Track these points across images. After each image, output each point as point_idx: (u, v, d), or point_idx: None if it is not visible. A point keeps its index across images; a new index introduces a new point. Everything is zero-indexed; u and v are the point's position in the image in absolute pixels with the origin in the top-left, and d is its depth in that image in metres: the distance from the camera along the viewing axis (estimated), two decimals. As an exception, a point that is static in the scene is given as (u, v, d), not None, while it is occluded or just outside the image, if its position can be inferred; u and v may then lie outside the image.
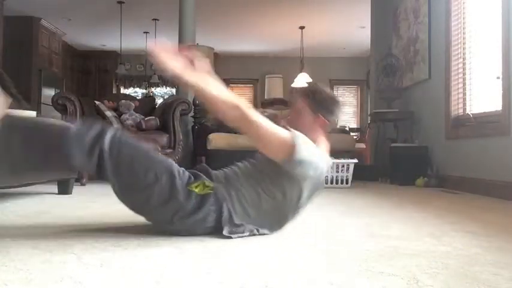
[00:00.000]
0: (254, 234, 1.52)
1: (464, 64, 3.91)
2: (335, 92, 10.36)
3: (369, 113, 7.01)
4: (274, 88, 9.74)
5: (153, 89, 10.26)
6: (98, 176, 1.44)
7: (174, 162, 1.54)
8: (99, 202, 2.50)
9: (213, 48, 5.22)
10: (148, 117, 4.42)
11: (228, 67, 9.82)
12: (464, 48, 3.92)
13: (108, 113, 4.38)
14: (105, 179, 1.45)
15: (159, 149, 4.01)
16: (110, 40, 9.02)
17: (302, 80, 8.19)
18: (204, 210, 1.47)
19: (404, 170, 4.30)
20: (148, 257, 1.24)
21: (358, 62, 9.79)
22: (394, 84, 5.03)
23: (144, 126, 4.30)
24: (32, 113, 3.07)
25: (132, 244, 1.39)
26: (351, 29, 7.95)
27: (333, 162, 3.89)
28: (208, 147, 4.31)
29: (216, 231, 1.50)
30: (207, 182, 1.49)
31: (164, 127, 4.32)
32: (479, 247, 1.44)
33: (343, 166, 3.93)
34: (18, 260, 1.17)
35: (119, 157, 1.42)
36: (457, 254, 1.34)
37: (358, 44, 8.76)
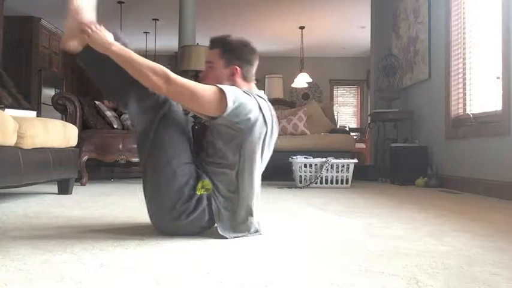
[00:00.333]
0: (249, 234, 1.52)
1: (464, 64, 3.91)
2: (335, 92, 10.38)
3: (369, 113, 7.02)
4: (274, 88, 9.73)
5: (153, 89, 10.25)
6: (137, 136, 1.55)
7: (190, 168, 1.52)
8: (99, 202, 2.50)
9: (213, 48, 5.21)
10: (148, 117, 4.41)
11: (228, 67, 9.81)
12: (464, 48, 3.92)
13: (108, 113, 4.38)
14: (140, 143, 1.54)
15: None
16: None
17: (302, 80, 8.19)
18: (200, 208, 1.48)
19: (404, 170, 4.30)
20: (148, 257, 1.24)
21: (358, 62, 9.79)
22: (394, 84, 5.03)
23: (144, 126, 4.30)
24: (32, 113, 3.08)
25: (132, 244, 1.39)
26: (351, 29, 7.95)
27: (333, 162, 3.89)
28: (208, 147, 4.31)
29: (211, 229, 1.50)
30: (206, 182, 1.49)
31: (164, 127, 4.32)
32: (479, 247, 1.44)
33: (343, 166, 3.93)
34: (18, 260, 1.17)
35: (160, 133, 1.48)
36: (457, 254, 1.34)
37: (358, 44, 8.76)
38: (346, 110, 10.42)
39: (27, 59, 7.27)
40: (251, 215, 1.54)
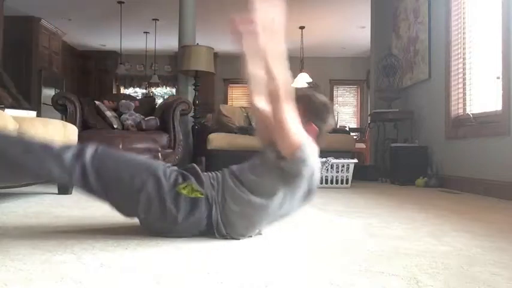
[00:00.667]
0: (243, 238, 1.51)
1: (464, 64, 3.91)
2: (335, 92, 10.38)
3: (369, 113, 7.02)
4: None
5: (153, 89, 10.26)
6: (85, 189, 1.46)
7: (160, 164, 1.52)
8: (99, 202, 2.49)
9: (213, 48, 5.22)
10: (148, 117, 4.42)
11: (228, 67, 9.82)
12: (464, 48, 3.92)
13: (108, 113, 4.38)
14: (92, 193, 1.46)
15: (159, 149, 4.01)
16: (110, 40, 9.02)
17: (302, 80, 8.19)
18: (197, 214, 1.46)
19: (404, 170, 4.30)
20: (148, 257, 1.24)
21: (358, 62, 9.79)
22: (394, 84, 5.03)
23: (144, 126, 4.30)
24: (32, 113, 3.08)
25: (132, 244, 1.39)
26: (351, 29, 7.95)
27: (333, 162, 3.89)
28: (208, 147, 4.32)
29: (208, 232, 1.50)
30: (195, 186, 1.48)
31: (164, 127, 4.32)
32: (479, 247, 1.44)
33: (343, 166, 3.93)
34: (18, 260, 1.17)
35: (102, 168, 1.43)
36: (457, 254, 1.34)
37: (358, 44, 8.76)
38: (346, 110, 10.42)
39: (27, 59, 7.27)
40: (255, 231, 1.54)
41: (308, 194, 1.56)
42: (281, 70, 1.41)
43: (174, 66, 9.58)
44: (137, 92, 10.31)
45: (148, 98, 6.88)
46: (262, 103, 1.60)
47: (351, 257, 1.27)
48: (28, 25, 7.29)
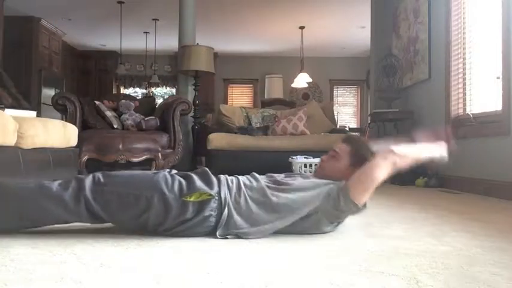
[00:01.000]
0: (247, 237, 1.52)
1: (464, 64, 3.91)
2: (335, 92, 10.39)
3: (369, 113, 7.02)
4: (274, 88, 9.74)
5: (153, 89, 10.26)
6: (95, 222, 1.51)
7: (161, 175, 1.52)
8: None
9: (213, 48, 5.22)
10: (148, 117, 4.42)
11: (228, 67, 9.82)
12: (464, 48, 3.92)
13: (108, 113, 4.38)
14: (103, 222, 1.51)
15: (160, 149, 4.01)
16: (110, 40, 9.03)
17: (302, 80, 8.19)
18: (202, 215, 1.47)
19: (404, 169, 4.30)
20: (149, 257, 1.24)
21: (358, 62, 9.79)
22: (394, 84, 5.03)
23: (144, 126, 4.30)
24: (32, 113, 3.07)
25: (132, 244, 1.39)
26: (351, 29, 7.95)
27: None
28: (208, 147, 4.32)
29: (214, 232, 1.50)
30: (202, 190, 1.49)
31: (164, 127, 4.33)
32: (480, 247, 1.44)
33: (343, 166, 3.92)
34: (18, 260, 1.17)
35: (104, 198, 1.45)
36: (457, 254, 1.34)
37: (358, 44, 8.76)
38: (346, 110, 10.43)
39: (27, 59, 7.27)
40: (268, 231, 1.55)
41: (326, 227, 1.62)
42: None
43: (174, 66, 9.58)
44: (137, 92, 10.31)
45: (148, 98, 6.89)
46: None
47: (351, 257, 1.27)
48: (28, 25, 7.29)
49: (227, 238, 1.47)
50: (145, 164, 3.91)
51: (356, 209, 1.53)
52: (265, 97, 9.36)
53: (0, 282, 0.98)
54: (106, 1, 6.85)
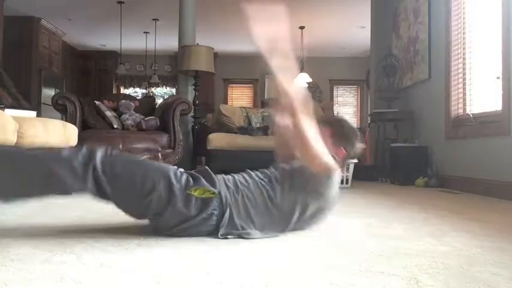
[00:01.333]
0: (249, 237, 1.52)
1: (464, 64, 3.91)
2: (335, 92, 10.39)
3: (369, 113, 7.02)
4: (274, 88, 9.72)
5: (153, 89, 10.26)
6: (98, 195, 1.46)
7: (171, 167, 1.53)
8: (99, 202, 2.49)
9: (213, 48, 5.22)
10: (148, 117, 4.42)
11: (228, 67, 9.82)
12: (464, 48, 3.92)
13: (108, 113, 4.39)
14: (105, 197, 1.47)
15: (160, 149, 4.01)
16: (110, 40, 9.03)
17: (302, 80, 8.19)
18: (205, 213, 1.47)
19: (404, 170, 4.30)
20: (149, 257, 1.24)
21: (358, 62, 9.79)
22: (394, 84, 5.03)
23: (144, 126, 4.30)
24: (32, 113, 3.07)
25: (132, 244, 1.39)
26: (351, 29, 7.95)
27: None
28: (208, 147, 4.31)
29: (216, 232, 1.50)
30: (206, 187, 1.49)
31: (164, 127, 4.33)
32: (479, 247, 1.44)
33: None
34: (18, 260, 1.17)
35: (113, 171, 1.43)
36: (457, 254, 1.34)
37: (358, 44, 8.76)
38: (346, 110, 10.42)
39: (27, 59, 7.28)
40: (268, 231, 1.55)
41: (322, 212, 1.62)
42: (293, 84, 1.44)
43: (174, 66, 9.58)
44: (137, 92, 10.31)
45: (148, 98, 6.89)
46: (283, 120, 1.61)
47: (351, 257, 1.27)
48: (28, 25, 7.30)
49: (227, 238, 1.47)
50: (146, 164, 3.90)
51: (325, 178, 1.51)
52: (265, 97, 9.36)
53: (0, 282, 0.98)
54: (106, 1, 6.85)
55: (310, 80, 8.34)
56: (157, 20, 7.67)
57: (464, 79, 3.92)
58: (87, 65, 9.90)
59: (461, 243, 1.49)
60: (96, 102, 4.47)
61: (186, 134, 4.85)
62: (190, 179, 1.50)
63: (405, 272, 1.12)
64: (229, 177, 1.61)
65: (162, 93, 10.38)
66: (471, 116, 3.71)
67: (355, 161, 4.01)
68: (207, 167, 1.64)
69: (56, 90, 7.64)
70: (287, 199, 1.54)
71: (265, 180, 1.60)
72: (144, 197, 1.44)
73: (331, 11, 7.08)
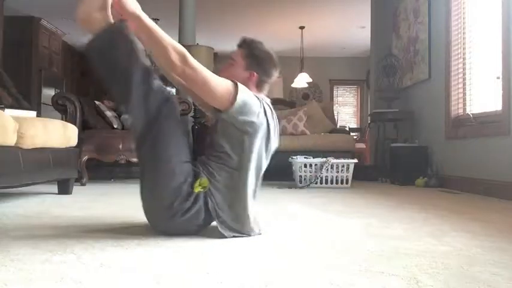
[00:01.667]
0: (249, 235, 1.52)
1: (464, 64, 3.91)
2: (335, 92, 10.38)
3: (369, 113, 7.02)
4: (274, 88, 9.73)
5: (153, 89, 10.25)
6: (139, 132, 1.47)
7: (188, 166, 1.52)
8: (99, 202, 2.50)
9: (213, 48, 5.23)
10: (148, 117, 4.41)
11: (228, 67, 9.81)
12: (464, 48, 3.92)
13: (108, 113, 4.38)
14: (140, 139, 1.48)
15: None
16: (110, 40, 9.01)
17: (302, 80, 8.19)
18: (196, 207, 1.47)
19: (404, 170, 4.31)
20: (148, 257, 1.24)
21: (358, 62, 9.79)
22: (394, 84, 5.03)
23: (144, 126, 4.30)
24: (32, 113, 3.07)
25: (132, 244, 1.39)
26: (351, 29, 7.95)
27: (333, 162, 3.89)
28: (208, 147, 4.31)
29: (208, 227, 1.50)
30: (205, 181, 1.49)
31: (164, 127, 4.32)
32: (479, 247, 1.44)
33: (343, 166, 3.93)
34: (18, 260, 1.17)
35: (162, 129, 1.45)
36: (457, 254, 1.34)
37: (358, 44, 8.76)
38: (346, 110, 10.42)
39: (27, 59, 7.27)
40: (247, 213, 1.53)
41: (269, 141, 1.58)
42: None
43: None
44: (137, 92, 10.29)
45: (148, 98, 6.87)
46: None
47: (351, 257, 1.27)
48: (28, 25, 7.29)
49: (226, 237, 1.48)
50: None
51: (234, 107, 1.45)
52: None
53: (0, 282, 0.98)
54: (106, 1, 6.85)
55: (310, 80, 8.34)
56: (158, 20, 7.66)
57: (464, 79, 3.92)
58: (87, 65, 9.85)
59: (461, 243, 1.49)
60: (96, 102, 4.47)
61: (186, 134, 4.85)
62: (193, 174, 1.50)
63: (405, 272, 1.12)
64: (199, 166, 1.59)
65: (162, 93, 10.37)
66: (471, 116, 3.71)
67: (355, 160, 4.01)
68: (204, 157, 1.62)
69: (56, 90, 7.64)
70: (230, 150, 1.51)
71: (213, 149, 1.57)
72: (158, 173, 1.46)
73: (331, 11, 7.08)
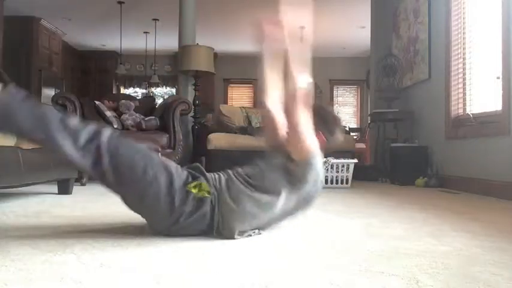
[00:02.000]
0: (249, 235, 1.52)
1: (464, 64, 3.91)
2: (335, 92, 10.39)
3: (369, 113, 7.02)
4: (274, 88, 9.73)
5: (153, 89, 10.26)
6: (95, 172, 1.42)
7: (173, 162, 1.53)
8: (99, 202, 2.50)
9: (213, 48, 5.22)
10: (148, 117, 4.42)
11: (228, 67, 9.83)
12: (464, 48, 3.92)
13: (108, 113, 4.38)
14: (102, 177, 1.42)
15: (160, 149, 4.01)
16: (110, 40, 9.03)
17: (302, 80, 8.18)
18: (202, 211, 1.47)
19: (404, 170, 4.30)
20: (148, 257, 1.24)
21: (358, 62, 9.79)
22: (394, 84, 5.03)
23: (144, 126, 4.30)
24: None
25: (132, 244, 1.39)
26: (351, 29, 7.96)
27: (333, 162, 3.89)
28: (208, 147, 4.32)
29: (211, 232, 1.50)
30: (205, 185, 1.48)
31: (164, 127, 4.33)
32: (479, 247, 1.44)
33: (343, 166, 3.93)
34: (18, 260, 1.17)
35: (116, 153, 1.41)
36: (457, 254, 1.34)
37: (358, 44, 8.76)
38: (346, 110, 10.43)
39: (27, 59, 7.28)
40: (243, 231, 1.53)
41: (309, 200, 1.61)
42: (303, 76, 1.47)
43: (174, 66, 9.58)
44: (137, 92, 10.31)
45: (148, 98, 6.89)
46: (273, 105, 1.62)
47: (351, 257, 1.27)
48: (28, 25, 7.30)
49: (225, 238, 1.48)
50: (145, 164, 3.90)
51: (308, 165, 1.52)
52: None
53: (0, 282, 0.98)
54: (106, 1, 6.85)
55: (310, 80, 8.33)
56: (157, 20, 7.67)
57: (464, 79, 3.92)
58: (87, 65, 9.90)
59: (461, 243, 1.49)
60: (96, 102, 4.47)
61: (186, 134, 4.85)
62: (190, 176, 1.50)
63: (405, 272, 1.12)
64: (216, 175, 1.60)
65: (162, 93, 10.38)
66: (471, 116, 3.71)
67: (355, 160, 4.01)
68: (198, 164, 1.61)
69: (56, 90, 7.64)
70: (274, 187, 1.52)
71: (244, 180, 1.57)
72: (142, 186, 1.42)
73: (331, 11, 7.08)
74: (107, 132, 1.43)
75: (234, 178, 1.55)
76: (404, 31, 5.21)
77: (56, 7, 7.05)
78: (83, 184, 3.60)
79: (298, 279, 1.05)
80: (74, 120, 1.43)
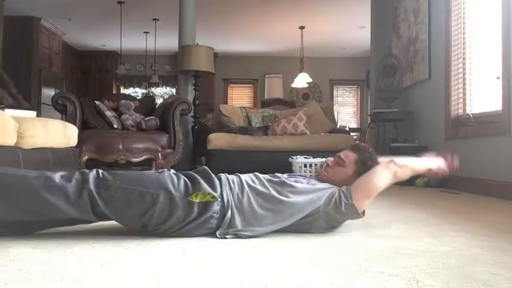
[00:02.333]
0: (249, 236, 1.51)
1: (464, 64, 3.91)
2: (335, 92, 10.39)
3: (369, 113, 7.02)
4: (274, 88, 9.74)
5: (153, 89, 10.26)
6: (97, 218, 1.45)
7: (166, 175, 1.51)
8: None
9: (213, 48, 5.22)
10: (148, 117, 4.42)
11: (228, 67, 9.82)
12: (464, 48, 3.92)
13: (108, 113, 4.39)
14: (105, 218, 1.47)
15: (160, 149, 4.01)
16: (110, 40, 9.03)
17: (302, 80, 8.19)
18: (205, 215, 1.47)
19: (404, 170, 4.30)
20: (148, 257, 1.24)
21: (358, 62, 9.79)
22: (394, 84, 5.03)
23: (144, 126, 4.30)
24: (32, 113, 3.07)
25: (132, 244, 1.39)
26: (351, 29, 7.95)
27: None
28: (208, 147, 4.32)
29: (214, 232, 1.50)
30: (205, 191, 1.48)
31: (164, 127, 4.33)
32: (479, 247, 1.44)
33: (343, 166, 3.92)
34: (18, 260, 1.17)
35: (108, 193, 1.42)
36: (457, 254, 1.34)
37: (358, 44, 8.76)
38: (346, 110, 10.43)
39: (27, 59, 7.27)
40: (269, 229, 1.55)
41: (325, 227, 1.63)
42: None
43: (174, 66, 9.58)
44: (137, 92, 10.31)
45: (148, 98, 6.89)
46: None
47: (351, 257, 1.27)
48: (28, 25, 7.29)
49: (226, 238, 1.48)
50: (145, 164, 3.91)
51: (356, 214, 1.56)
52: (265, 97, 9.36)
53: (0, 282, 0.98)
54: (106, 1, 6.85)
55: (310, 80, 8.34)
56: (157, 20, 7.66)
57: (464, 79, 3.92)
58: (87, 65, 9.90)
59: (461, 243, 1.49)
60: (96, 102, 4.47)
61: (186, 134, 4.85)
62: (188, 182, 1.49)
63: (405, 272, 1.12)
64: (234, 177, 1.61)
65: (162, 93, 10.38)
66: (471, 116, 3.71)
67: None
68: (206, 167, 1.63)
69: (56, 90, 7.64)
70: (299, 202, 1.55)
71: (276, 184, 1.60)
72: (144, 213, 1.44)
73: (331, 11, 7.08)
74: (92, 176, 1.43)
75: (259, 179, 1.61)
76: (404, 31, 5.21)
77: (56, 7, 7.05)
78: (83, 184, 3.59)
79: (298, 279, 1.05)
80: (55, 175, 1.43)
